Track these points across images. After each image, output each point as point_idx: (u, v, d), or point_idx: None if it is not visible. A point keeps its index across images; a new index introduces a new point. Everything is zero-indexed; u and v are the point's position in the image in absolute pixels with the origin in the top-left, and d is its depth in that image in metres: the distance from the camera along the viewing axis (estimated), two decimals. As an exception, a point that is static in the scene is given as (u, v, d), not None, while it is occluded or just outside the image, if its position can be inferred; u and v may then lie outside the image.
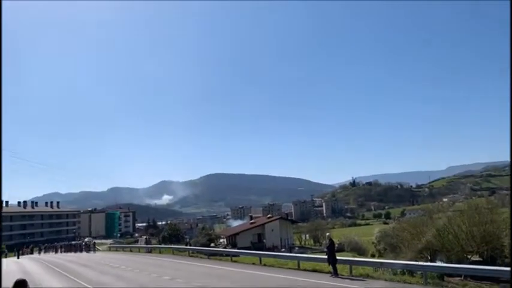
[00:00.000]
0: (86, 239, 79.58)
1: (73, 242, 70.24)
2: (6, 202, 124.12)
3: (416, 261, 20.05)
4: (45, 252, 61.85)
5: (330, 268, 17.87)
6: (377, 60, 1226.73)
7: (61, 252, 59.40)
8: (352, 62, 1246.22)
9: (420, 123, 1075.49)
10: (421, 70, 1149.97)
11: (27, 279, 6.18)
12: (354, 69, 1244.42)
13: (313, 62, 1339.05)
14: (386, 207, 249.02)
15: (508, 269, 13.64)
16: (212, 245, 61.92)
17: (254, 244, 60.67)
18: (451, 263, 20.18)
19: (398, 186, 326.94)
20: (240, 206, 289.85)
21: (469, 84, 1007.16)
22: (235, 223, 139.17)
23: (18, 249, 59.74)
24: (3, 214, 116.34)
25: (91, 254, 49.26)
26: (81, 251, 56.88)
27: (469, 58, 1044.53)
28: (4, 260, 49.47)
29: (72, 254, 53.05)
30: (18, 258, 51.63)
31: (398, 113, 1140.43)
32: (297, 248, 67.32)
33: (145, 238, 73.85)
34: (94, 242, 64.68)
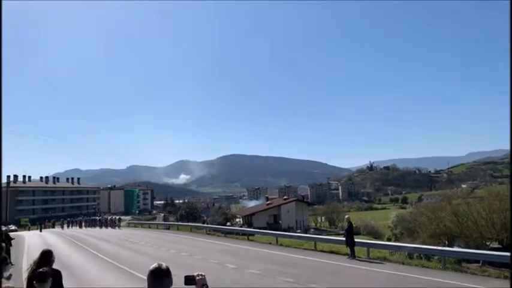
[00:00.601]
0: (106, 215, 76.10)
1: (97, 217, 68.33)
2: (29, 177, 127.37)
3: (434, 246, 19.90)
4: (68, 226, 62.00)
5: (348, 250, 17.90)
6: (402, 43, 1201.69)
7: (85, 227, 59.53)
8: (373, 45, 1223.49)
9: (441, 108, 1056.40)
10: (444, 53, 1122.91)
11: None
12: (375, 52, 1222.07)
13: (333, 47, 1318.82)
14: (403, 192, 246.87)
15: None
16: (228, 224, 62.60)
17: (270, 225, 61.08)
18: (470, 249, 19.98)
19: (416, 171, 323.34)
20: (256, 187, 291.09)
21: (493, 68, 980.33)
22: (250, 203, 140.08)
23: (41, 223, 61.49)
24: (26, 189, 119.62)
25: (114, 230, 48.84)
26: (106, 226, 55.76)
27: (493, 40, 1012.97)
28: (27, 233, 51.15)
29: (97, 229, 53.11)
30: (40, 231, 53.18)
31: (419, 97, 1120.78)
32: (312, 230, 67.53)
33: (164, 215, 75.09)
34: (119, 218, 62.84)
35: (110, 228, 52.37)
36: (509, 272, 12.98)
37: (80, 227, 60.21)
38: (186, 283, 3.24)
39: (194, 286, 3.25)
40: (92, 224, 61.16)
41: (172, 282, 2.81)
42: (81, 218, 69.47)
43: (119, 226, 53.01)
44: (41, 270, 4.62)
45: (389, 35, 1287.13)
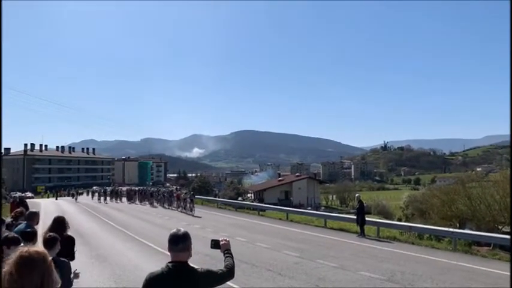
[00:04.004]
0: (162, 188, 49.22)
1: (149, 189, 47.10)
2: (46, 146, 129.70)
3: (445, 228, 19.82)
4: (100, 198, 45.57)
5: (357, 228, 17.90)
6: (420, 21, 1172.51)
7: (134, 201, 41.28)
8: (392, 20, 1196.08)
9: (459, 89, 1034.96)
10: (461, 32, 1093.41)
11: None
12: (395, 33, 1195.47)
13: (351, 23, 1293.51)
14: (416, 173, 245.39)
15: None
16: (240, 198, 63.20)
17: (281, 201, 61.48)
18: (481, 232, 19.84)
19: (431, 153, 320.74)
20: (269, 164, 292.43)
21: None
22: (258, 177, 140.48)
23: (57, 191, 63.15)
24: (42, 157, 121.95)
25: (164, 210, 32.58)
26: (163, 204, 36.17)
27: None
28: (43, 200, 52.37)
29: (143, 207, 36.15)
30: (56, 199, 54.64)
31: (437, 78, 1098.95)
32: (323, 208, 67.72)
33: (176, 188, 75.82)
34: (193, 193, 34.58)
35: (160, 209, 33.71)
36: (510, 254, 12.89)
37: (130, 200, 42.19)
38: (212, 246, 3.46)
39: (219, 250, 3.47)
40: (140, 197, 41.42)
41: (189, 247, 2.94)
42: (121, 188, 53.77)
43: (192, 208, 28.32)
44: (49, 235, 4.56)
45: (406, 10, 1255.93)
